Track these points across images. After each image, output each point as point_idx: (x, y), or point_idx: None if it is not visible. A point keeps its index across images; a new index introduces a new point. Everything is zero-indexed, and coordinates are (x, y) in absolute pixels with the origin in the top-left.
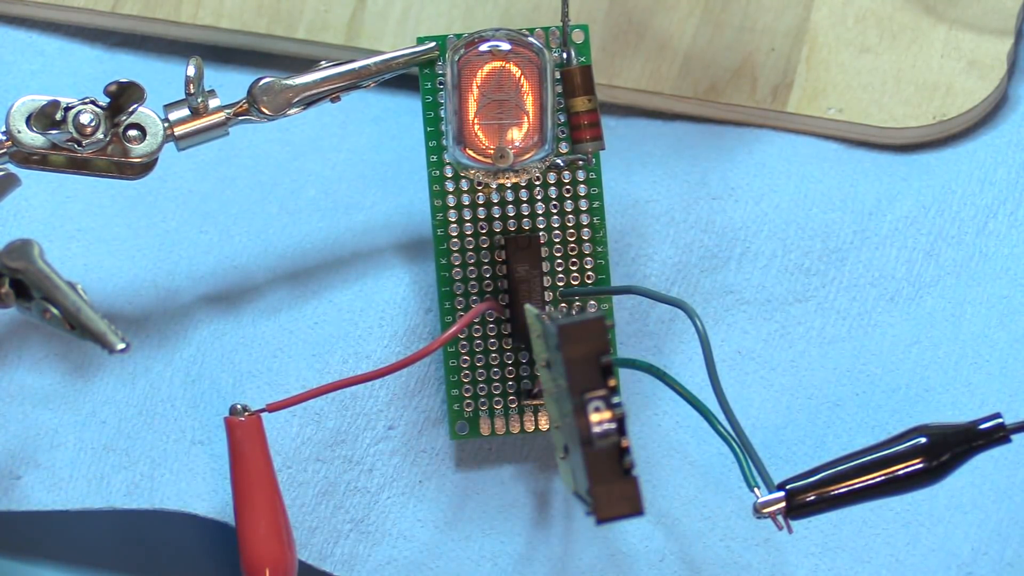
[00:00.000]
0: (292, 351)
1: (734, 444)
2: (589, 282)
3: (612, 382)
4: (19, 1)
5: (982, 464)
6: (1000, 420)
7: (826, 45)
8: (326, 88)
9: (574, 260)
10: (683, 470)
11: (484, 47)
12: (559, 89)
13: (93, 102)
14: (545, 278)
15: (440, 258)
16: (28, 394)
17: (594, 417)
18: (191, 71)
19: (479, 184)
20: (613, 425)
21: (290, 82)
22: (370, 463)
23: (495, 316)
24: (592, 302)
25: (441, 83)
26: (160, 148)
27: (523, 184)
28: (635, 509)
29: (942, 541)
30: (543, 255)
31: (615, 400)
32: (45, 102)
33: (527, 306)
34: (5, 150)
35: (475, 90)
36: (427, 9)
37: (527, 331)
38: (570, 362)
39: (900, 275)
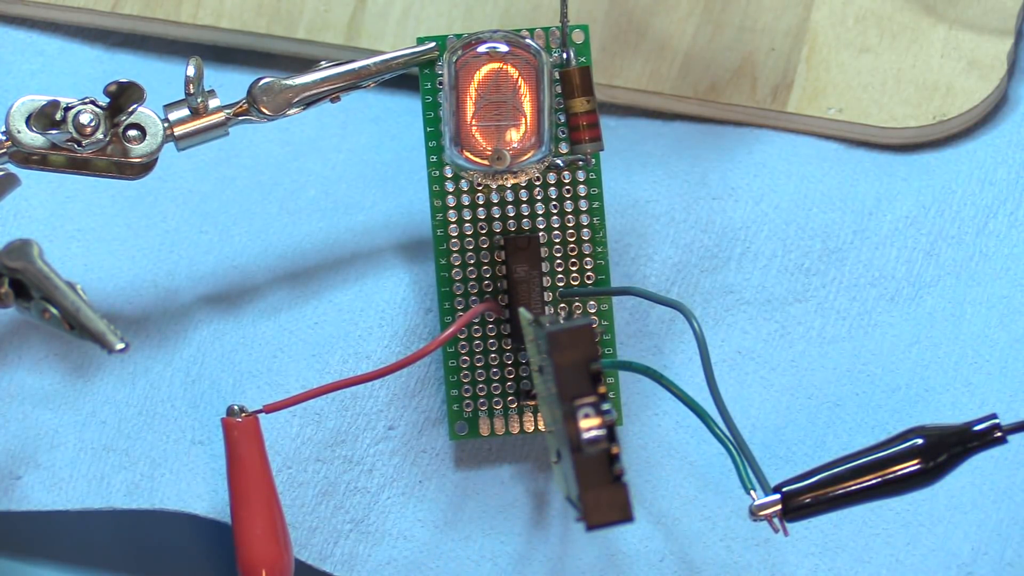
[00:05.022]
0: (292, 351)
1: (730, 446)
2: (589, 282)
3: (602, 389)
4: (19, 1)
5: (982, 464)
6: (996, 421)
7: (826, 45)
8: (326, 88)
9: (574, 260)
10: (683, 470)
11: (481, 49)
12: (558, 90)
13: (93, 102)
14: (545, 278)
15: (440, 258)
16: (28, 394)
17: (583, 423)
18: (191, 71)
19: (479, 184)
20: (603, 432)
21: (290, 82)
22: (370, 463)
23: (494, 316)
24: (592, 303)
25: (441, 83)
26: (160, 148)
27: (523, 184)
28: (624, 516)
29: (942, 541)
30: (543, 255)
31: (604, 407)
32: (45, 102)
33: (521, 310)
34: (5, 150)
35: (472, 92)
36: (427, 9)
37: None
38: (559, 368)
39: (900, 275)
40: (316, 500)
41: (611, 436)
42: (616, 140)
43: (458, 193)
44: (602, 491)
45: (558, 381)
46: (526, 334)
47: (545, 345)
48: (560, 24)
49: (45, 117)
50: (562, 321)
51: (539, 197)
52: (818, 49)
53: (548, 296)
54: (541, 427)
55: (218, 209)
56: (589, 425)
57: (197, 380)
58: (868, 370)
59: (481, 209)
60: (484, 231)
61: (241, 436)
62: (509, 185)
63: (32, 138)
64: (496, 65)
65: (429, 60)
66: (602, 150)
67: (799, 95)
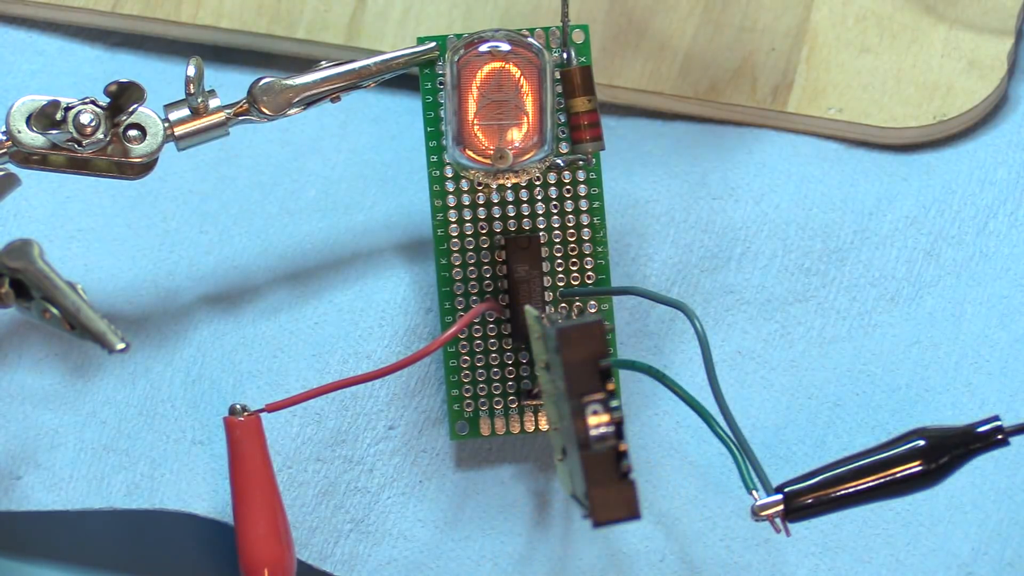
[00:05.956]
0: (292, 351)
1: (732, 446)
2: (589, 282)
3: (610, 385)
4: (19, 1)
5: (982, 464)
6: (999, 423)
7: (826, 45)
8: (326, 88)
9: (574, 260)
10: (683, 470)
11: (484, 48)
12: (559, 89)
13: (93, 102)
14: (545, 278)
15: (440, 258)
16: (28, 394)
17: (592, 420)
18: (191, 71)
19: (479, 184)
20: (611, 428)
21: (290, 82)
22: (370, 463)
23: (495, 316)
24: (592, 303)
25: (441, 83)
26: (160, 148)
27: (523, 184)
28: (632, 513)
29: (942, 541)
30: (543, 255)
31: (613, 404)
32: (45, 102)
33: (527, 308)
34: (5, 150)
35: (474, 91)
36: (427, 9)
37: (527, 331)
38: (568, 365)
39: (900, 275)
40: (316, 500)
41: (619, 433)
42: (616, 140)
43: (458, 193)
44: (610, 488)
45: (567, 378)
46: (532, 331)
47: (554, 342)
48: (560, 24)
49: (45, 117)
50: (569, 318)
51: (539, 197)
52: (818, 49)
53: (549, 296)
54: (542, 427)
55: (218, 209)
56: (598, 422)
57: (197, 380)
58: (868, 370)
59: (481, 209)
60: (484, 231)
61: (243, 435)
62: (510, 185)
63: (32, 138)
64: (498, 64)
65: (429, 60)
66: (603, 149)
67: (799, 95)
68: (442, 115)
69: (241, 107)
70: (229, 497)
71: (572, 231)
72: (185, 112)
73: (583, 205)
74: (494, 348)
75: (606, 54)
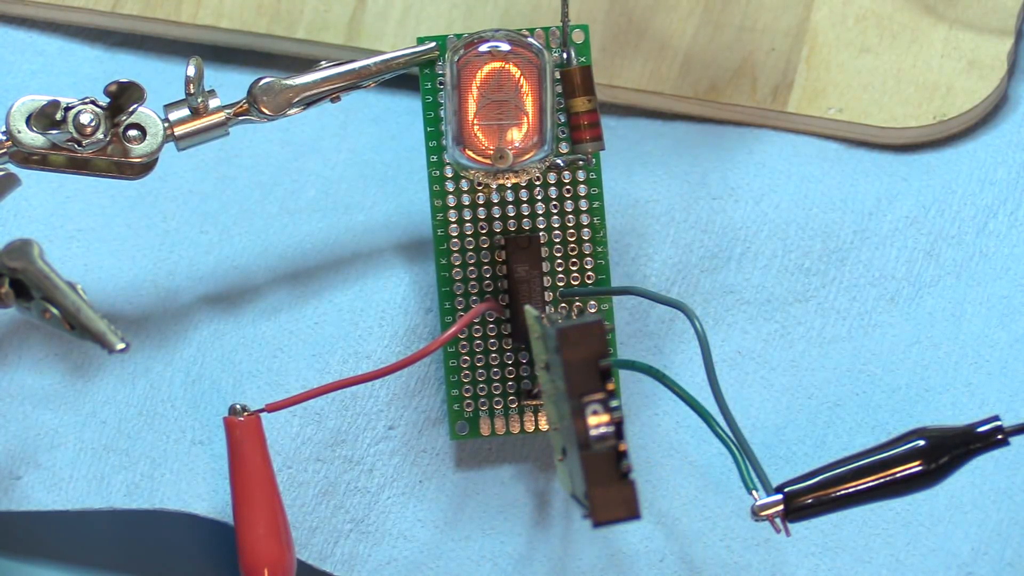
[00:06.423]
0: (292, 351)
1: (732, 446)
2: (589, 282)
3: (610, 385)
4: (19, 1)
5: (982, 464)
6: (999, 423)
7: (826, 45)
8: (326, 88)
9: (574, 260)
10: (683, 470)
11: (484, 48)
12: (559, 89)
13: (93, 102)
14: (545, 278)
15: (440, 258)
16: (28, 394)
17: (592, 420)
18: (191, 71)
19: (479, 184)
20: (611, 428)
21: (290, 82)
22: (370, 463)
23: (495, 316)
24: (592, 303)
25: (441, 83)
26: (160, 148)
27: (523, 184)
28: (632, 513)
29: (942, 541)
30: (543, 255)
31: (613, 403)
32: (45, 102)
33: (527, 307)
34: (5, 150)
35: (475, 91)
36: (427, 9)
37: (527, 331)
38: (569, 365)
39: (900, 275)
40: (316, 500)
41: (619, 433)
42: (616, 140)
43: (458, 193)
44: (610, 488)
45: (567, 377)
46: (532, 331)
47: (554, 342)
48: (560, 24)
49: (45, 117)
50: (569, 318)
51: (539, 197)
52: (818, 49)
53: (549, 296)
54: (542, 427)
55: (218, 209)
56: (598, 422)
57: (197, 380)
58: (868, 370)
59: (481, 209)
60: (484, 231)
61: (243, 435)
62: (510, 185)
63: (32, 138)
64: (498, 64)
65: (429, 60)
66: (603, 149)
67: (799, 95)
68: (442, 115)
69: (241, 107)
70: (229, 497)
71: (572, 231)
72: (185, 112)
73: (583, 205)
74: (494, 348)
75: (606, 54)
